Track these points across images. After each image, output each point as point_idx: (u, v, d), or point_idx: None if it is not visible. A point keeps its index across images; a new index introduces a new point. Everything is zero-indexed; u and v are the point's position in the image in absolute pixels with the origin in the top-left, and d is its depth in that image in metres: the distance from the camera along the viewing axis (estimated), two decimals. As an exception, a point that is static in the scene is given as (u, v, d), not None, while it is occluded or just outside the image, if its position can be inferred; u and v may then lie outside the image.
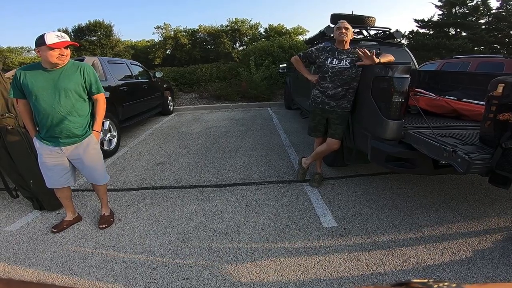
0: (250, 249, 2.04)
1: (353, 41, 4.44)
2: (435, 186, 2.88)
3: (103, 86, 2.25)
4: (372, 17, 4.55)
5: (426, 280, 0.28)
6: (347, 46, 2.66)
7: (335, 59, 2.62)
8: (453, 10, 13.65)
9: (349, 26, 2.62)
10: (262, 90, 8.92)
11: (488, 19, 13.14)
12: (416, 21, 14.24)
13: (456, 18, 13.11)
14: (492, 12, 12.96)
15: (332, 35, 4.34)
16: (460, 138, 2.00)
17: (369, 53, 2.37)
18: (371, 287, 0.28)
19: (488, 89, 1.76)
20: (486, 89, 1.80)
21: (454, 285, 0.27)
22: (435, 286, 0.27)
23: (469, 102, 2.72)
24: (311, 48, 2.88)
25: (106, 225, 2.37)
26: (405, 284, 0.28)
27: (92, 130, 2.21)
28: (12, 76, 3.35)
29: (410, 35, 14.07)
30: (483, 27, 13.02)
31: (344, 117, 2.72)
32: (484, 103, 1.88)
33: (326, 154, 3.00)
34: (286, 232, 2.23)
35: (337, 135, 2.75)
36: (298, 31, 16.31)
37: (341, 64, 2.59)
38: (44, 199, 2.59)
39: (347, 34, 2.59)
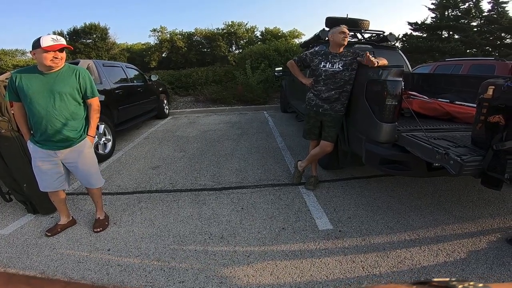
0: (246, 252, 2.04)
1: (348, 44, 4.50)
2: (429, 188, 2.90)
3: (98, 90, 2.25)
4: (367, 20, 4.60)
5: (447, 280, 0.27)
6: (341, 50, 2.70)
7: (328, 63, 2.66)
8: (446, 13, 13.85)
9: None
10: (258, 94, 8.94)
11: (480, 21, 13.36)
12: (410, 24, 14.43)
13: (449, 21, 13.29)
14: (483, 14, 13.18)
15: (327, 38, 4.39)
16: (452, 140, 2.03)
17: (372, 59, 2.38)
18: (392, 285, 0.27)
19: (479, 91, 1.79)
20: (477, 91, 1.83)
21: (480, 285, 0.25)
22: (460, 286, 0.25)
23: (461, 104, 2.75)
24: (305, 52, 2.93)
25: (101, 229, 2.35)
26: (426, 283, 0.27)
27: (87, 135, 2.20)
28: (6, 79, 3.33)
29: (403, 38, 14.23)
30: (475, 29, 13.21)
31: (337, 120, 2.75)
32: (475, 105, 1.91)
33: (320, 157, 3.01)
34: (282, 235, 2.24)
35: (330, 137, 2.77)
36: (294, 34, 16.41)
37: (334, 67, 2.64)
38: (38, 202, 2.56)
39: (347, 39, 2.66)
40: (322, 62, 2.69)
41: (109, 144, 4.38)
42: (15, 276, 0.24)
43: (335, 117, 2.73)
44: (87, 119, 2.21)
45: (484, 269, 1.80)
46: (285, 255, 1.99)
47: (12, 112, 2.64)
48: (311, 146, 3.04)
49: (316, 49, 2.90)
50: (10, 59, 16.74)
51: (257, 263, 1.92)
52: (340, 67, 2.62)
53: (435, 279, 0.27)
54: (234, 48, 17.29)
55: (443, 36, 13.79)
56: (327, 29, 4.37)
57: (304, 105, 2.96)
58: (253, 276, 1.80)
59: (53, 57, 1.90)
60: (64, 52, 1.98)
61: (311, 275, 1.80)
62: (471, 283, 0.26)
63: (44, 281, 0.24)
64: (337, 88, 2.64)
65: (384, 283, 1.50)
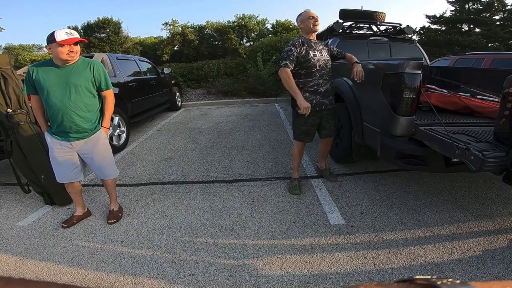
0: (256, 246, 2.04)
1: (363, 37, 4.38)
2: (446, 184, 2.82)
3: (112, 82, 2.28)
4: (382, 13, 4.46)
5: (429, 277, 0.27)
6: (315, 36, 2.57)
7: (316, 52, 2.47)
8: (466, 6, 13.33)
9: None
10: (269, 86, 8.89)
11: (503, 15, 12.80)
12: (428, 17, 13.96)
13: (470, 14, 12.80)
14: (507, 8, 12.62)
15: (340, 30, 4.29)
16: (473, 135, 1.95)
17: (358, 74, 2.43)
18: (374, 284, 0.27)
19: (504, 85, 1.71)
20: (500, 85, 1.74)
21: (458, 281, 0.26)
22: (439, 282, 0.26)
23: (482, 99, 2.64)
24: (287, 49, 2.44)
25: (114, 220, 2.40)
26: (408, 280, 0.28)
27: (101, 126, 2.24)
28: (24, 73, 3.39)
29: (421, 31, 13.81)
30: (498, 23, 12.68)
31: (334, 111, 2.74)
32: (498, 99, 1.82)
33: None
34: (293, 229, 2.22)
35: (333, 132, 2.78)
36: (306, 26, 16.11)
37: (323, 55, 2.50)
38: (54, 194, 2.63)
39: (318, 23, 2.47)
40: (310, 52, 2.43)
41: (123, 136, 4.46)
42: (12, 279, 0.23)
43: (332, 109, 2.69)
44: (102, 111, 2.25)
45: (500, 268, 1.74)
46: (295, 250, 1.98)
47: (30, 104, 2.71)
48: (299, 148, 2.76)
49: (295, 39, 2.50)
50: (27, 54, 17.20)
51: (266, 257, 1.92)
52: (327, 56, 2.53)
53: (418, 277, 0.28)
54: (245, 40, 17.15)
55: (463, 30, 13.30)
56: (340, 21, 4.27)
57: (297, 109, 2.48)
58: (262, 270, 1.80)
59: (68, 50, 1.93)
60: (78, 45, 2.01)
61: (321, 270, 1.78)
62: (450, 279, 0.26)
63: (41, 284, 0.24)
64: (330, 79, 2.59)
65: (368, 282, 1.48)
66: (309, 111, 2.38)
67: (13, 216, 2.59)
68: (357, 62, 2.48)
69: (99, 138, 2.22)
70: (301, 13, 2.50)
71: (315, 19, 2.43)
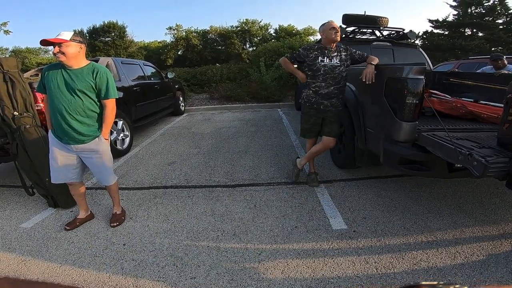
0: (258, 250, 2.03)
1: (366, 42, 4.40)
2: (449, 189, 2.81)
3: (116, 87, 2.21)
4: (385, 18, 4.48)
5: (435, 283, 0.27)
6: (334, 45, 2.68)
7: (326, 58, 2.63)
8: (469, 10, 13.35)
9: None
10: (272, 91, 8.92)
11: (506, 19, 12.79)
12: (431, 21, 13.99)
13: (472, 18, 12.81)
14: (510, 12, 12.61)
15: (344, 35, 4.31)
16: (476, 141, 1.94)
17: (368, 75, 2.44)
18: (378, 285, 0.27)
19: (507, 90, 1.71)
20: (504, 90, 1.74)
21: (465, 287, 0.26)
22: None
23: (486, 104, 2.64)
24: (300, 49, 2.79)
25: (117, 223, 2.40)
26: (415, 286, 0.28)
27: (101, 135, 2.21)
28: (31, 76, 3.43)
29: (424, 36, 13.83)
30: (501, 27, 12.67)
31: (339, 115, 2.81)
32: (502, 105, 1.82)
33: (321, 153, 3.04)
34: (295, 233, 2.22)
35: (334, 133, 2.78)
36: (309, 32, 16.20)
37: (332, 62, 2.63)
38: (58, 196, 2.65)
39: (339, 34, 2.62)
40: (319, 57, 2.63)
41: (127, 140, 4.49)
42: (19, 281, 0.24)
43: (337, 113, 2.76)
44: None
45: (503, 272, 1.72)
46: (297, 254, 1.97)
47: (37, 108, 2.75)
48: (309, 144, 3.00)
49: (310, 44, 2.82)
50: (34, 57, 17.40)
51: (268, 261, 1.91)
52: (338, 62, 2.63)
53: (424, 283, 0.28)
54: (248, 45, 17.26)
55: (466, 34, 13.30)
56: (343, 26, 4.29)
57: (301, 102, 2.87)
58: (263, 274, 1.79)
59: (53, 52, 1.94)
60: (66, 47, 1.93)
61: (323, 274, 1.77)
62: (457, 286, 0.27)
63: (48, 286, 0.24)
64: (336, 84, 2.65)
65: (371, 283, 1.46)
66: (305, 78, 2.78)
67: (17, 217, 2.60)
68: (371, 63, 2.48)
69: (98, 144, 2.19)
70: (324, 24, 2.67)
71: (335, 31, 2.58)
